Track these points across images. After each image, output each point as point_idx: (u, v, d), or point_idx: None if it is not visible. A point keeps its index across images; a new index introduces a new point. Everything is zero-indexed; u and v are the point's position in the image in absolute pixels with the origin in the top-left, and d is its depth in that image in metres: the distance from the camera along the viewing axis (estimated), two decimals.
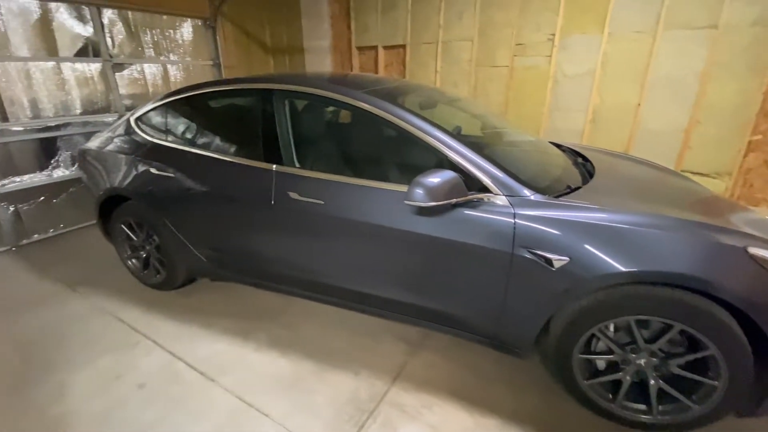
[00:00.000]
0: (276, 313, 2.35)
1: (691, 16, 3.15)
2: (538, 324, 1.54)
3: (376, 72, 4.87)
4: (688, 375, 1.42)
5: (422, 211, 1.58)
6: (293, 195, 1.84)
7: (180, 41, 4.38)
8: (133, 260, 2.64)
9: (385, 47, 4.74)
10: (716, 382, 1.37)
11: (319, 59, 5.19)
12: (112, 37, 3.83)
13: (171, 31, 4.28)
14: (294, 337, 2.15)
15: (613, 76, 3.55)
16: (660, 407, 1.49)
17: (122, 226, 2.54)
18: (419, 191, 1.42)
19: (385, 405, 1.72)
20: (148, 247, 2.52)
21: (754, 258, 1.29)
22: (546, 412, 1.66)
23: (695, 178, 3.36)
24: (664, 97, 3.40)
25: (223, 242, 2.19)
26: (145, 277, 2.61)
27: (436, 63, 4.41)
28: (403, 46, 4.58)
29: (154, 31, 4.15)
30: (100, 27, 3.67)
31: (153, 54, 4.16)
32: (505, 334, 1.64)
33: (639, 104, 3.49)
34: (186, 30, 4.41)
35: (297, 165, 1.90)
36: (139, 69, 4.10)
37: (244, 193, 1.98)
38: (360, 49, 4.95)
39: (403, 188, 1.60)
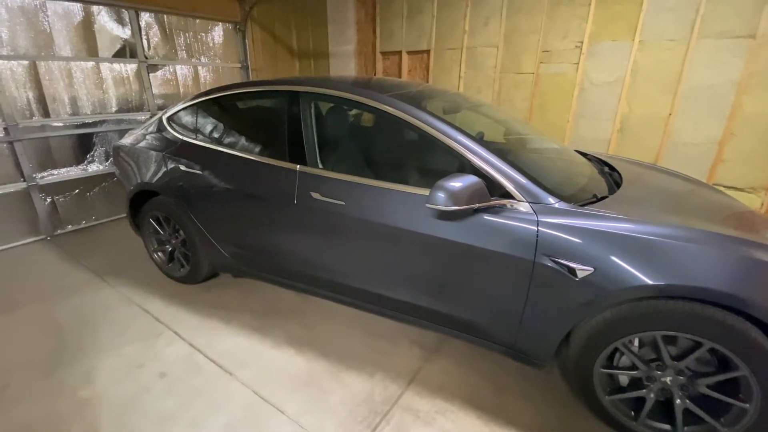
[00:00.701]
0: (294, 312, 2.39)
1: (728, 25, 3.05)
2: (558, 335, 1.51)
3: (400, 77, 4.89)
4: (717, 396, 1.36)
5: (443, 215, 1.58)
6: (315, 195, 1.87)
7: (211, 44, 4.52)
8: (159, 254, 2.73)
9: (409, 52, 4.76)
10: (747, 405, 1.31)
11: (344, 63, 5.26)
12: (148, 40, 4.00)
13: (203, 34, 4.44)
14: (311, 335, 2.18)
15: (644, 85, 3.46)
16: (686, 429, 1.43)
17: (150, 220, 2.64)
18: (441, 195, 1.42)
19: (398, 408, 1.71)
20: (173, 242, 2.61)
21: None
22: (563, 427, 1.62)
23: (728, 192, 3.23)
24: (698, 107, 3.28)
25: (246, 239, 2.24)
26: (169, 270, 2.70)
27: (459, 69, 4.40)
28: (428, 52, 4.59)
29: (187, 34, 4.31)
30: (137, 29, 3.84)
31: (185, 56, 4.31)
32: (524, 344, 1.61)
33: (670, 114, 3.39)
34: (217, 33, 4.56)
35: (320, 166, 1.93)
36: (171, 70, 4.26)
37: (268, 192, 2.03)
38: (384, 54, 4.99)
39: (424, 192, 1.60)
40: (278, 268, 2.21)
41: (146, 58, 3.96)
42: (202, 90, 3.42)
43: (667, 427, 1.46)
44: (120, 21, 3.76)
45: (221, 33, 4.59)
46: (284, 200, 1.96)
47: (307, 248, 2.01)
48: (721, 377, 1.34)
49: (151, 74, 4.06)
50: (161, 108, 4.10)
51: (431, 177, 1.55)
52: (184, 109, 2.52)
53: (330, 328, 2.24)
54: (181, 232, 2.49)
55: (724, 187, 3.29)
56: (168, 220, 2.56)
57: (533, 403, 1.74)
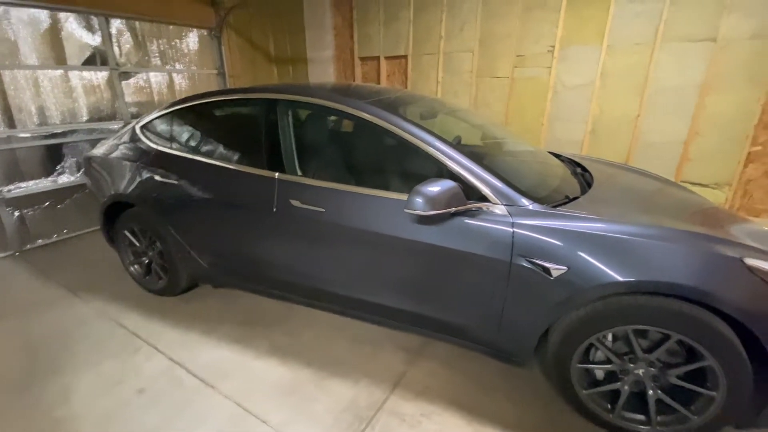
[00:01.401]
0: (277, 321, 2.36)
1: (690, 29, 3.20)
2: (536, 333, 1.55)
3: (378, 82, 4.93)
4: (687, 385, 1.42)
5: (422, 220, 1.60)
6: (295, 203, 1.86)
7: (186, 50, 4.45)
8: (136, 266, 2.66)
9: (387, 58, 4.80)
10: (714, 393, 1.37)
11: (322, 69, 5.26)
12: (119, 46, 3.91)
13: (177, 40, 4.36)
14: (294, 344, 2.16)
15: (613, 88, 3.59)
16: (659, 418, 1.49)
17: (126, 232, 2.57)
18: (419, 200, 1.45)
19: (383, 413, 1.72)
20: (150, 254, 2.55)
21: (751, 269, 1.30)
22: (546, 423, 1.66)
23: (695, 189, 3.37)
24: (664, 108, 3.43)
25: (225, 249, 2.21)
26: (147, 283, 2.63)
27: (437, 73, 4.47)
28: (405, 57, 4.64)
29: (160, 41, 4.23)
30: (108, 36, 3.75)
31: (159, 63, 4.23)
32: (504, 342, 1.65)
33: (638, 115, 3.52)
34: (192, 40, 4.49)
35: (299, 173, 1.93)
36: (145, 77, 4.17)
37: (247, 201, 2.01)
38: (362, 59, 5.01)
39: (403, 197, 1.62)
40: (259, 277, 2.18)
41: (118, 65, 3.87)
42: (178, 98, 3.37)
43: (642, 417, 1.52)
44: (89, 28, 3.66)
45: (196, 39, 4.52)
46: (263, 208, 1.94)
47: (288, 256, 2.00)
48: (690, 367, 1.40)
49: (123, 82, 3.97)
50: (135, 116, 4.00)
51: (409, 182, 1.57)
52: (158, 117, 2.48)
53: (314, 335, 2.23)
54: (158, 243, 2.44)
55: (691, 184, 3.45)
56: (144, 232, 2.50)
57: (517, 401, 1.77)
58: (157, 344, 2.17)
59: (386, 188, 1.75)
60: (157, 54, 4.21)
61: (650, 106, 3.47)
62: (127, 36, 3.99)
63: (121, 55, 3.93)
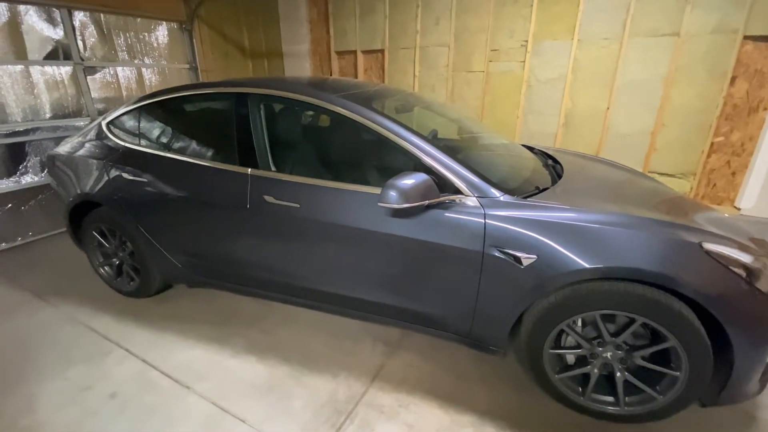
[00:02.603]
0: (254, 319, 2.33)
1: (655, 24, 3.31)
2: (509, 321, 1.58)
3: (356, 76, 4.90)
4: (652, 366, 1.48)
5: (396, 213, 1.61)
6: (269, 198, 1.84)
7: (155, 44, 4.31)
8: (106, 268, 2.57)
9: (364, 52, 4.78)
10: (678, 373, 1.43)
11: (299, 63, 5.19)
12: (83, 40, 3.74)
13: (145, 34, 4.21)
14: (272, 341, 2.14)
15: (584, 81, 3.68)
16: (627, 399, 1.54)
17: (94, 233, 2.48)
18: (392, 193, 1.45)
19: (362, 406, 1.73)
20: (121, 254, 2.47)
21: (708, 253, 1.36)
22: (520, 408, 1.70)
23: (661, 178, 3.51)
24: (631, 101, 3.54)
25: (199, 248, 2.16)
26: (118, 284, 2.55)
27: (414, 68, 4.48)
28: (382, 51, 4.63)
29: (127, 34, 4.07)
30: (71, 29, 3.58)
31: (127, 57, 4.08)
32: (478, 332, 1.68)
33: (608, 108, 3.63)
34: (161, 33, 4.35)
35: (272, 168, 1.90)
36: (112, 72, 4.01)
37: (219, 198, 1.97)
38: (339, 53, 4.97)
39: (378, 191, 1.62)
40: (235, 275, 2.15)
41: (82, 59, 3.71)
42: (148, 93, 3.26)
43: (611, 399, 1.57)
44: (51, 21, 3.49)
45: (166, 32, 4.38)
46: (236, 205, 1.91)
47: (263, 253, 1.97)
48: (654, 349, 1.46)
49: (88, 77, 3.81)
50: (102, 113, 3.85)
51: (383, 176, 1.57)
52: (125, 113, 2.39)
53: (292, 332, 2.22)
54: (129, 244, 2.36)
55: (658, 174, 3.58)
56: (113, 232, 2.42)
57: (492, 387, 1.81)
58: (129, 347, 2.11)
59: (361, 182, 1.74)
60: (124, 48, 4.06)
61: (619, 99, 3.58)
62: (91, 29, 3.82)
63: (85, 49, 3.76)
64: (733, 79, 3.21)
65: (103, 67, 3.92)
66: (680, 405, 1.49)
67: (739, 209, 3.39)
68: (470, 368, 1.93)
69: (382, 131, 1.69)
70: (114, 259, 2.52)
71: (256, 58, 5.35)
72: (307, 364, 1.97)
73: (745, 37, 3.09)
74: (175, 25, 4.43)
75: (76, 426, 1.66)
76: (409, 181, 1.48)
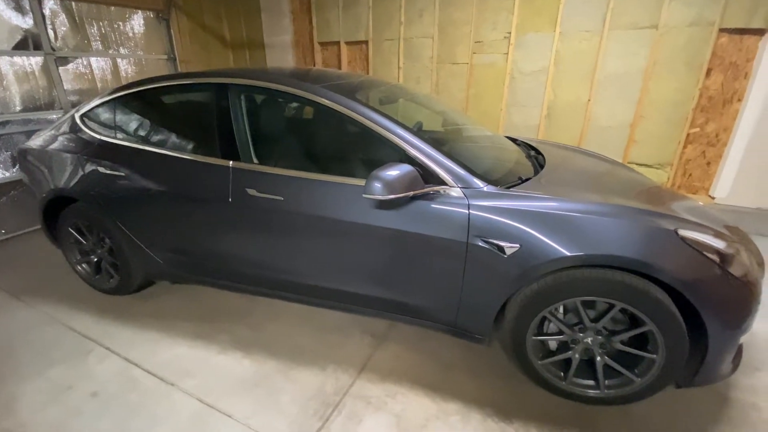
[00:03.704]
0: (240, 314, 2.31)
1: (634, 17, 3.36)
2: (493, 309, 1.61)
3: (340, 68, 4.85)
4: (630, 350, 1.53)
5: (381, 205, 1.61)
6: (251, 192, 1.81)
7: (130, 34, 4.16)
8: (84, 265, 2.50)
9: (348, 43, 4.72)
10: (655, 356, 1.49)
11: (281, 55, 5.10)
12: (54, 29, 3.59)
13: (120, 23, 4.07)
14: (259, 337, 2.13)
15: (566, 74, 3.72)
16: (606, 382, 1.59)
17: (70, 229, 2.41)
18: (377, 185, 1.44)
19: (350, 397, 1.73)
20: (99, 251, 2.40)
21: (683, 239, 1.40)
22: (506, 395, 1.74)
23: (640, 169, 3.60)
24: (612, 94, 3.60)
25: (181, 243, 2.12)
26: (97, 282, 2.49)
27: (398, 59, 4.45)
28: (366, 42, 4.58)
29: (101, 23, 3.92)
30: (41, 18, 3.43)
31: (100, 47, 3.93)
32: (464, 321, 1.70)
33: (589, 100, 3.68)
34: (137, 22, 4.20)
35: (255, 161, 1.87)
36: (85, 63, 3.87)
37: (200, 192, 1.93)
38: (322, 44, 4.90)
39: (362, 183, 1.61)
40: (218, 270, 2.12)
41: (53, 49, 3.56)
42: (124, 84, 3.15)
43: (591, 382, 1.62)
44: (19, 9, 3.33)
45: (142, 22, 4.23)
46: (218, 199, 1.88)
47: (247, 248, 1.95)
48: (632, 333, 1.50)
49: (61, 68, 3.66)
50: (75, 105, 3.72)
51: (368, 168, 1.56)
52: (100, 105, 2.31)
53: (279, 326, 2.20)
54: (107, 240, 2.30)
55: (637, 164, 3.67)
56: (90, 229, 2.35)
57: (477, 376, 1.84)
58: (111, 345, 2.07)
59: (345, 174, 1.73)
60: (97, 37, 3.91)
61: (600, 92, 3.64)
62: (62, 18, 3.66)
63: (56, 38, 3.61)
64: (708, 72, 3.29)
65: (76, 58, 3.77)
66: (657, 387, 1.55)
67: (713, 198, 3.50)
68: (456, 357, 1.96)
69: (366, 122, 1.68)
70: (92, 256, 2.45)
71: (238, 50, 5.23)
72: (295, 358, 1.97)
73: (721, 30, 3.17)
74: (151, 14, 4.28)
75: (58, 426, 1.62)
76: (393, 172, 1.47)
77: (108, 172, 2.13)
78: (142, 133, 2.22)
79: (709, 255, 1.40)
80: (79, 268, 2.51)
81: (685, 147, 3.54)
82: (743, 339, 1.47)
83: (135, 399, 1.74)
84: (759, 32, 3.08)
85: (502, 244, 1.47)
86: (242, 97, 1.91)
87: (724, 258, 1.41)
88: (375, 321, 2.22)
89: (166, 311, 2.34)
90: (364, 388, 1.78)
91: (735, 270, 1.41)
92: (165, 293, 2.52)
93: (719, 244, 1.44)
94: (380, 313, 1.88)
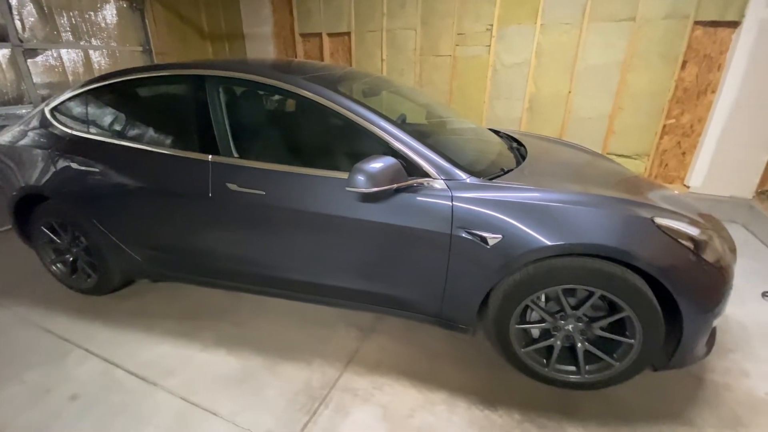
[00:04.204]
0: (224, 311, 2.28)
1: (613, 10, 3.41)
2: (477, 299, 1.63)
3: (322, 60, 4.78)
4: (609, 336, 1.57)
5: (365, 198, 1.60)
6: (232, 186, 1.78)
7: (103, 24, 4.01)
8: (59, 265, 2.42)
9: (330, 34, 4.66)
10: (633, 341, 1.53)
11: (262, 46, 5.00)
12: (21, 20, 3.44)
13: (92, 12, 3.91)
14: (243, 333, 2.10)
15: (547, 66, 3.76)
16: (587, 367, 1.64)
17: (43, 228, 2.32)
18: (361, 178, 1.43)
19: (337, 390, 1.74)
20: (75, 250, 2.33)
21: (660, 227, 1.44)
22: (490, 383, 1.77)
23: (619, 159, 3.67)
24: (591, 86, 3.66)
25: (160, 240, 2.07)
26: (74, 282, 2.41)
27: (381, 51, 4.41)
28: (348, 34, 4.53)
29: (71, 13, 3.77)
30: (7, 8, 3.28)
31: (71, 38, 3.78)
32: (449, 311, 1.72)
33: (570, 92, 3.73)
34: (109, 12, 4.05)
35: (235, 155, 1.83)
36: (55, 55, 3.72)
37: (179, 187, 1.89)
38: (304, 36, 4.82)
39: (345, 176, 1.60)
40: (200, 267, 2.08)
41: (21, 41, 3.41)
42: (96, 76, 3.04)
43: (573, 368, 1.66)
44: None
45: (114, 12, 4.08)
46: (198, 194, 1.83)
47: (229, 244, 1.92)
48: (611, 319, 1.55)
49: (29, 60, 3.51)
50: (46, 99, 3.57)
51: (351, 161, 1.55)
52: (72, 98, 2.22)
53: (264, 322, 2.18)
54: (83, 239, 2.23)
55: (616, 155, 3.74)
56: (64, 227, 2.27)
57: (463, 365, 1.87)
58: (90, 346, 2.01)
59: (328, 167, 1.71)
60: (68, 28, 3.76)
61: (580, 84, 3.69)
62: (30, 8, 3.51)
63: (24, 29, 3.46)
64: (684, 64, 3.37)
65: (46, 50, 3.62)
66: (635, 370, 1.59)
67: (688, 187, 3.61)
68: (442, 348, 1.98)
69: (348, 115, 1.66)
70: (67, 256, 2.37)
71: (217, 41, 5.11)
72: (280, 353, 1.96)
73: (696, 23, 3.24)
74: (124, 4, 4.13)
75: (38, 429, 1.57)
76: (376, 164, 1.46)
77: (81, 168, 2.06)
78: (116, 127, 2.15)
79: (684, 242, 1.44)
80: (54, 268, 2.43)
81: (661, 138, 3.63)
82: (716, 322, 1.53)
83: (117, 400, 1.70)
84: (732, 25, 3.16)
85: (485, 235, 1.49)
86: (220, 89, 1.86)
87: (698, 245, 1.46)
88: (361, 314, 2.22)
89: (148, 310, 2.29)
90: (351, 381, 1.79)
91: (708, 256, 1.46)
92: (146, 292, 2.46)
93: (693, 231, 1.49)
94: (366, 306, 1.89)
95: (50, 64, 3.70)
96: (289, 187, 1.73)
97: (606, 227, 1.44)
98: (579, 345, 1.62)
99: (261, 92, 2.11)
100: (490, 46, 3.88)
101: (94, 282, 2.33)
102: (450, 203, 1.53)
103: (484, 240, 1.49)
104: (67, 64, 3.80)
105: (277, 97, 2.26)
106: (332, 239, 1.72)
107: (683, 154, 3.64)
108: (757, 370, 1.84)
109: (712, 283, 1.47)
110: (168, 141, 2.00)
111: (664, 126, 3.58)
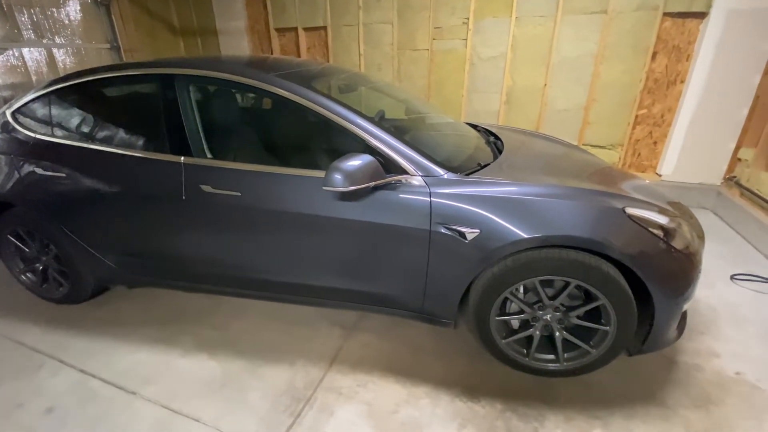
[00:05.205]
0: (203, 315, 2.24)
1: (586, 2, 3.46)
2: (458, 293, 1.64)
3: (298, 55, 4.70)
4: (586, 324, 1.61)
5: (342, 197, 1.59)
6: (206, 188, 1.74)
7: (66, 21, 3.84)
8: (28, 274, 2.33)
9: (306, 29, 4.58)
10: (608, 328, 1.57)
11: (235, 42, 4.88)
12: None
13: (54, 9, 3.74)
14: (224, 336, 2.07)
15: (522, 59, 3.80)
16: (565, 355, 1.68)
17: (9, 237, 2.22)
18: (338, 176, 1.42)
19: (321, 390, 1.73)
20: (44, 259, 2.24)
21: (630, 217, 1.48)
22: (472, 374, 1.80)
23: (594, 150, 3.76)
24: (566, 78, 3.71)
25: (133, 246, 2.01)
26: (45, 291, 2.32)
27: (359, 46, 4.37)
28: (324, 28, 4.46)
29: (32, 10, 3.60)
30: None
31: (33, 36, 3.61)
32: (430, 306, 1.73)
33: (545, 85, 3.78)
34: (72, 8, 3.88)
35: (208, 156, 1.79)
36: (17, 54, 3.54)
37: (150, 190, 1.83)
38: (279, 30, 4.73)
39: (322, 174, 1.58)
40: (177, 272, 2.03)
41: None
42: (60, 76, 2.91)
43: (552, 357, 1.70)
44: None
45: (78, 8, 3.91)
46: (170, 197, 1.78)
47: (206, 247, 1.88)
48: (587, 308, 1.59)
49: None
50: (8, 101, 3.41)
51: (327, 159, 1.53)
52: (34, 100, 2.13)
53: (244, 324, 2.16)
54: (52, 246, 2.14)
55: (591, 146, 3.82)
56: (32, 235, 2.18)
57: (445, 359, 1.89)
58: (64, 357, 1.95)
59: (305, 166, 1.69)
60: (29, 26, 3.59)
61: (555, 76, 3.74)
62: None
63: None
64: (654, 55, 3.46)
65: (6, 49, 3.45)
66: (611, 356, 1.64)
67: (660, 176, 3.72)
68: (425, 342, 2.00)
69: (323, 112, 1.64)
70: (37, 264, 2.28)
71: (188, 37, 4.96)
72: (263, 355, 1.94)
73: (665, 14, 3.32)
74: (88, 0, 3.96)
75: None
76: (353, 163, 1.45)
77: (47, 173, 1.98)
78: (83, 129, 2.07)
79: (654, 231, 1.48)
80: (23, 278, 2.33)
81: (634, 128, 3.72)
82: (687, 306, 1.59)
83: (93, 411, 1.66)
84: (700, 15, 3.25)
85: (463, 229, 1.50)
86: (191, 88, 1.81)
87: (667, 232, 1.51)
88: (344, 312, 2.22)
89: (124, 317, 2.23)
90: (335, 380, 1.79)
91: (677, 243, 1.51)
92: (121, 299, 2.39)
93: (663, 219, 1.54)
94: (348, 305, 1.88)
95: (12, 64, 3.53)
96: (266, 188, 1.70)
97: (580, 219, 1.47)
98: (557, 334, 1.66)
99: (233, 91, 2.06)
100: (466, 39, 3.89)
101: (67, 291, 2.25)
102: (428, 199, 1.53)
103: (462, 235, 1.50)
104: (29, 63, 3.63)
105: (252, 95, 2.21)
106: (310, 239, 1.71)
107: (655, 143, 3.75)
108: (726, 350, 1.93)
109: (681, 270, 1.52)
110: (138, 143, 1.94)
111: (637, 116, 3.68)
